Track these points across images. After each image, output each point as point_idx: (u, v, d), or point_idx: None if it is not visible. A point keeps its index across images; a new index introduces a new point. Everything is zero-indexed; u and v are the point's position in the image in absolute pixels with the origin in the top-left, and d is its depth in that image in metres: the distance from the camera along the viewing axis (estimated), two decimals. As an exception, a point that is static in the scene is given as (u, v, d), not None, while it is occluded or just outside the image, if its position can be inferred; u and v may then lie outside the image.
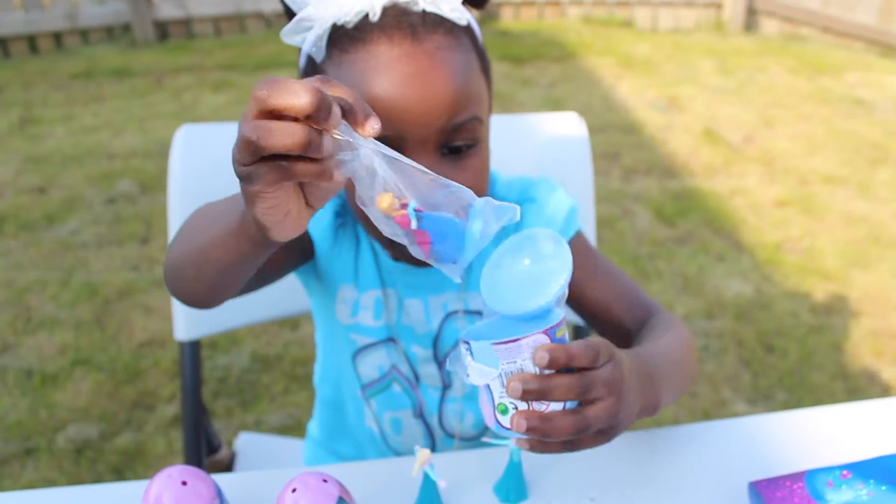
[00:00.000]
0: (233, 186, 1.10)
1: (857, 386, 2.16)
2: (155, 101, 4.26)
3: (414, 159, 0.75)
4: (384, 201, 0.51)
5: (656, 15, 5.79)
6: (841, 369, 2.23)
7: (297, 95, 0.47)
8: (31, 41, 5.04)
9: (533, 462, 0.77)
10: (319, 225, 0.89)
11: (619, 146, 3.67)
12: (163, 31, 5.34)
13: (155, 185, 3.25)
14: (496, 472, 0.75)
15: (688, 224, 2.99)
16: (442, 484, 0.64)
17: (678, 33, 5.67)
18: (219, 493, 0.62)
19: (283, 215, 0.54)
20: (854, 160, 3.56)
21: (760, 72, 4.79)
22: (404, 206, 0.51)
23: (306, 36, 0.76)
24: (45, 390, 2.10)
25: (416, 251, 0.53)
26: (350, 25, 0.74)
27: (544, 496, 0.74)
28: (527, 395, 0.54)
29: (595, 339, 0.58)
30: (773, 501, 0.63)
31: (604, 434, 0.60)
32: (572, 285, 0.90)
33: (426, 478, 0.68)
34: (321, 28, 0.75)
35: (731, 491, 0.73)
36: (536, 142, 1.18)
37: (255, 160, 0.49)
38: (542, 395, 0.55)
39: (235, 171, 0.51)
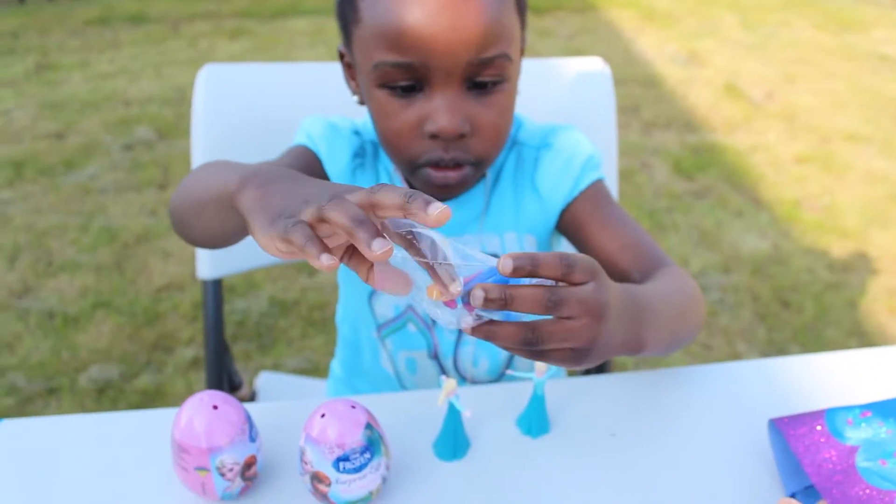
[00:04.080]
0: (254, 127, 1.11)
1: (871, 342, 2.17)
2: (171, 48, 4.24)
3: (439, 90, 0.75)
4: (433, 293, 0.52)
5: (679, -33, 5.67)
6: (856, 326, 2.23)
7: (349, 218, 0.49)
8: (47, -14, 5.01)
9: (555, 397, 0.78)
10: (336, 166, 0.89)
11: (639, 99, 3.63)
12: (179, -23, 5.29)
13: (172, 131, 3.25)
14: (519, 405, 0.76)
15: (706, 178, 2.97)
16: (467, 413, 0.65)
17: (701, -14, 5.56)
18: (248, 419, 0.64)
19: None
20: (877, 118, 3.51)
21: (784, 27, 4.71)
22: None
23: None
24: (66, 332, 2.13)
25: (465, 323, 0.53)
26: None
27: (566, 430, 0.75)
28: (488, 304, 0.51)
29: (577, 254, 0.54)
30: (794, 438, 0.64)
31: (577, 354, 0.56)
32: (583, 233, 0.89)
33: (451, 407, 0.69)
34: None
35: (752, 427, 0.74)
36: (560, 86, 1.16)
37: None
38: (504, 305, 0.51)
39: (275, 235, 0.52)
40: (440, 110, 0.76)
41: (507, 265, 0.50)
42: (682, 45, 4.36)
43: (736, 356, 2.10)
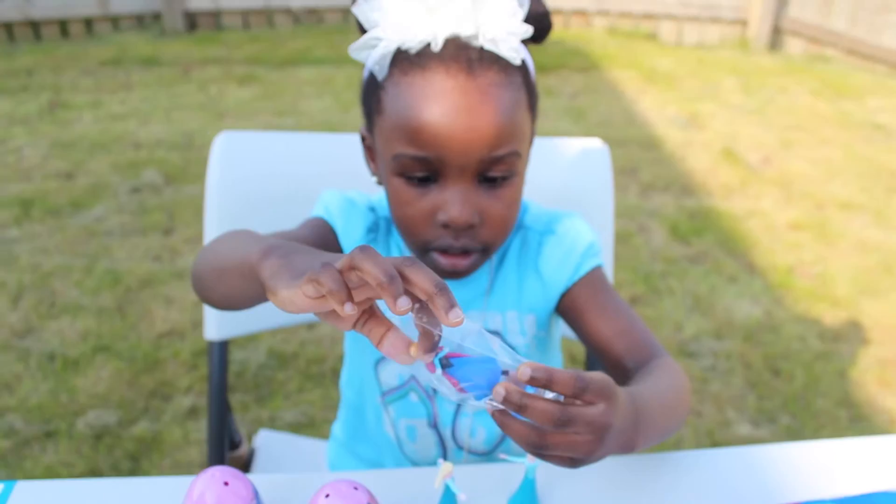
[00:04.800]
0: (267, 195, 1.15)
1: (861, 414, 2.19)
2: (182, 92, 4.33)
3: (453, 183, 0.81)
4: (413, 349, 0.57)
5: (681, 29, 5.82)
6: (846, 397, 2.27)
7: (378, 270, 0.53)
8: (63, 25, 5.13)
9: (546, 479, 0.82)
10: (351, 239, 0.94)
11: (638, 161, 3.71)
12: (192, 21, 5.42)
13: (180, 176, 3.31)
14: (512, 485, 0.80)
15: (702, 243, 3.02)
16: (462, 497, 0.69)
17: (702, 49, 5.69)
18: (256, 495, 0.67)
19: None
20: (871, 187, 3.58)
21: (782, 92, 4.81)
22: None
23: (371, 53, 0.83)
24: (66, 375, 2.16)
25: (449, 393, 0.58)
26: (413, 51, 0.80)
27: (555, 512, 0.78)
28: (506, 403, 0.56)
29: (597, 375, 0.59)
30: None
31: (574, 462, 0.62)
32: (581, 318, 0.94)
33: (447, 490, 0.72)
34: (387, 49, 0.81)
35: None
36: (560, 165, 1.22)
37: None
38: (520, 409, 0.57)
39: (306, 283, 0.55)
40: (452, 202, 0.81)
41: (525, 373, 0.56)
42: (683, 107, 4.46)
43: (726, 424, 2.13)
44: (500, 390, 0.56)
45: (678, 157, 3.79)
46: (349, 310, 0.52)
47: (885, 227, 3.22)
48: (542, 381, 0.56)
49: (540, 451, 0.59)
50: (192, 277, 0.81)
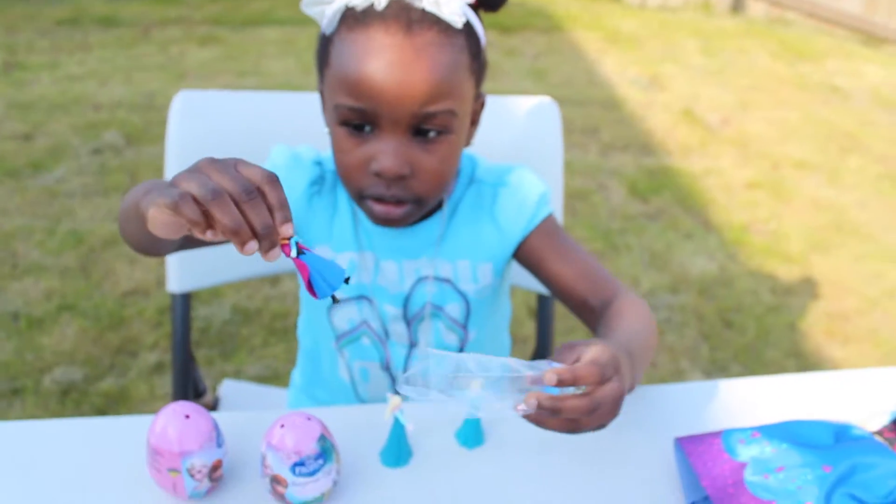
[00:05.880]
0: (227, 154, 1.18)
1: (808, 364, 2.29)
2: (141, 53, 4.27)
3: (387, 134, 0.85)
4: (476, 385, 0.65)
5: (645, -9, 5.84)
6: (794, 347, 2.36)
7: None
8: (17, -16, 5.00)
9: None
10: (293, 194, 0.98)
11: (599, 121, 3.76)
12: (151, -20, 5.31)
13: (141, 137, 3.30)
14: (458, 419, 0.85)
15: (660, 201, 3.09)
16: (410, 427, 0.74)
17: (665, 10, 5.73)
18: (216, 427, 0.72)
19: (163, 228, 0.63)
20: (826, 148, 3.67)
21: (742, 54, 4.88)
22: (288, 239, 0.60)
23: (324, 10, 0.88)
24: (31, 333, 2.17)
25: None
26: (359, 9, 0.85)
27: (498, 443, 0.84)
28: (541, 409, 0.64)
29: (600, 350, 0.66)
30: (694, 455, 0.74)
31: (599, 427, 0.70)
32: (542, 264, 1.00)
33: (396, 421, 0.77)
34: (337, 6, 0.86)
35: (662, 446, 0.84)
36: (511, 122, 1.26)
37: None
38: (554, 412, 0.64)
39: (166, 193, 0.59)
40: (384, 152, 0.86)
41: (552, 379, 0.63)
42: (644, 68, 4.50)
43: (679, 374, 2.21)
44: (532, 401, 0.63)
45: (638, 118, 3.85)
46: (210, 236, 0.58)
47: (838, 187, 3.32)
48: (569, 381, 0.63)
49: (573, 433, 0.67)
50: (120, 228, 0.86)
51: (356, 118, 0.87)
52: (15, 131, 3.32)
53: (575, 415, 0.64)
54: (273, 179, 0.59)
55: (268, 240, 0.58)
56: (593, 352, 0.66)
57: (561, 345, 0.70)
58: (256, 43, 4.54)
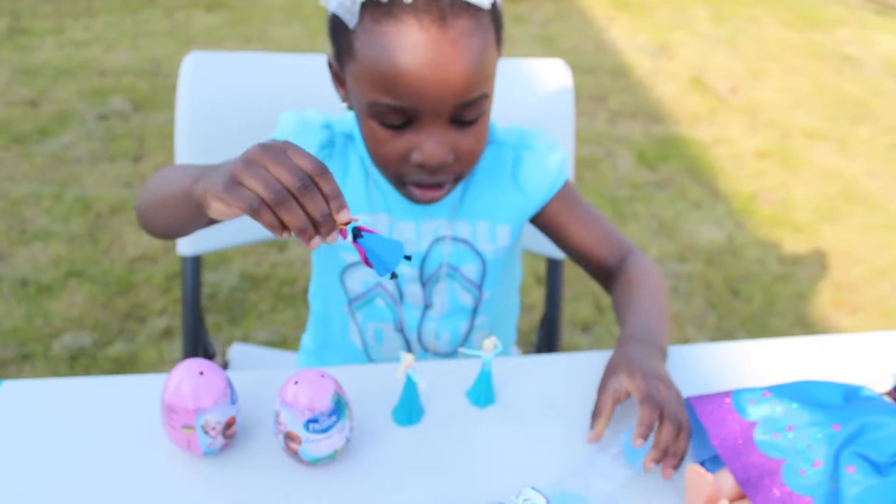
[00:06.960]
0: (237, 115, 1.17)
1: (814, 332, 2.29)
2: (147, 18, 4.24)
3: (427, 127, 0.85)
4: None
5: (655, -43, 5.75)
6: (801, 316, 2.36)
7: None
8: (21, -51, 4.95)
9: (502, 373, 0.88)
10: None
11: (607, 89, 3.73)
12: (156, -55, 5.25)
13: (147, 103, 3.28)
14: (470, 379, 0.85)
15: (668, 169, 3.08)
16: (422, 385, 0.74)
17: (675, -22, 5.65)
18: (229, 384, 0.72)
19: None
20: (836, 117, 3.64)
21: (753, 22, 4.82)
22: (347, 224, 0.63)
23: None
24: (39, 299, 2.18)
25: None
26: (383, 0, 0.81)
27: (509, 402, 0.84)
28: (664, 461, 0.74)
29: (659, 393, 0.76)
30: (704, 414, 0.74)
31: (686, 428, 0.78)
32: (561, 229, 1.01)
33: (408, 379, 0.78)
34: None
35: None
36: (522, 86, 1.25)
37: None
38: (666, 455, 0.74)
39: (231, 173, 0.62)
40: (427, 145, 0.86)
41: (639, 443, 0.73)
42: (653, 36, 4.45)
43: (685, 341, 2.22)
44: (650, 464, 0.74)
45: (647, 85, 3.82)
46: (286, 236, 0.62)
47: (847, 156, 3.30)
48: (646, 433, 0.73)
49: (685, 449, 0.75)
50: (137, 213, 0.86)
51: (395, 117, 0.85)
52: (21, 97, 3.31)
53: (672, 440, 0.73)
54: (324, 169, 0.62)
55: (326, 227, 0.61)
56: (626, 388, 0.77)
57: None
58: (262, 9, 4.50)
